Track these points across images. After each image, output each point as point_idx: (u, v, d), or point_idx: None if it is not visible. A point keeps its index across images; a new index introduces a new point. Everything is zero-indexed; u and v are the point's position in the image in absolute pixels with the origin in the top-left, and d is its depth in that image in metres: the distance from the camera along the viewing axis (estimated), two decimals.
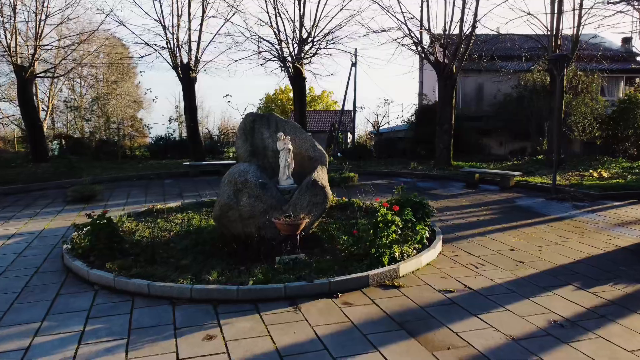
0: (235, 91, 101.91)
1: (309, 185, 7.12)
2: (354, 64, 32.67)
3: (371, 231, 6.20)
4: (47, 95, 44.70)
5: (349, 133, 46.55)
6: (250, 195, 7.03)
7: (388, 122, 31.52)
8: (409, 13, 16.75)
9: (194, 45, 19.46)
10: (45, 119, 40.57)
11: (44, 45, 19.01)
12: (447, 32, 17.44)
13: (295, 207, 7.07)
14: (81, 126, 35.99)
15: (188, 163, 16.13)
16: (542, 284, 5.78)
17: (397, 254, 6.13)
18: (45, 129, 40.27)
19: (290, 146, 7.40)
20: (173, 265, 6.15)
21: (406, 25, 16.82)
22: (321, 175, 7.42)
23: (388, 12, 17.87)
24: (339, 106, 65.24)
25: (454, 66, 17.06)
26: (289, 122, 7.94)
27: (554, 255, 7.02)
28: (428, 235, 7.17)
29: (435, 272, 6.21)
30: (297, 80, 19.59)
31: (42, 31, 18.84)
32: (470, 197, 12.50)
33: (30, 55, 18.91)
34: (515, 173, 14.02)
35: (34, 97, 19.17)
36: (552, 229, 8.83)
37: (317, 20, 19.13)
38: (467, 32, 16.42)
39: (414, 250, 6.60)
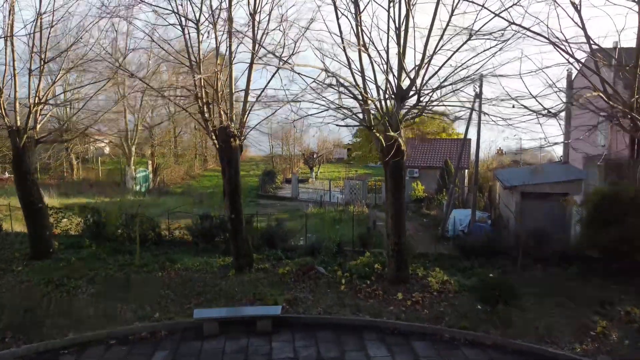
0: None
1: None
2: (478, 95, 24.99)
3: None
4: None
5: (465, 170, 37.48)
6: None
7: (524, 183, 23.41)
8: None
9: (238, 103, 13.58)
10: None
11: (42, 102, 14.43)
12: None
13: None
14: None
15: (199, 310, 10.15)
16: None
17: None
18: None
19: None
20: None
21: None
22: None
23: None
24: (453, 130, 53.99)
25: None
26: None
27: None
28: None
29: None
30: (393, 159, 12.51)
31: (39, 81, 14.31)
32: None
33: (26, 116, 14.45)
34: None
35: (32, 171, 14.61)
36: None
37: (426, 58, 12.09)
38: None
39: None
